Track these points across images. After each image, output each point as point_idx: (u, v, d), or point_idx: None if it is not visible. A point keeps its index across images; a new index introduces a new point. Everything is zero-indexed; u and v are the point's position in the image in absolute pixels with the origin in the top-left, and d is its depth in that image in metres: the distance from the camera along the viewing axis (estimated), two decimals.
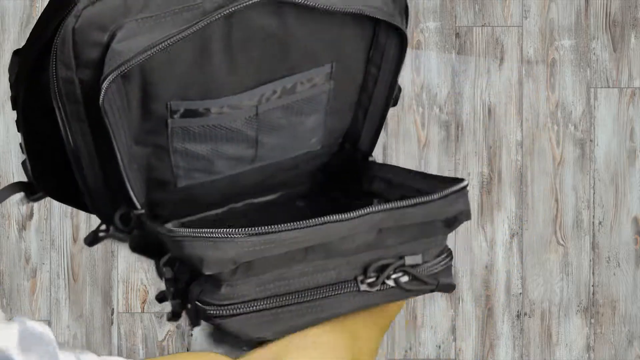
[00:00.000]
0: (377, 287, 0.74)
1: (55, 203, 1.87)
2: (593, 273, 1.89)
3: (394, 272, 0.74)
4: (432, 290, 0.76)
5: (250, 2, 0.69)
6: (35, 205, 1.85)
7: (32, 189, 0.79)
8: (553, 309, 1.88)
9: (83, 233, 1.86)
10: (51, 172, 0.77)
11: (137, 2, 0.67)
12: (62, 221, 1.87)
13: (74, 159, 0.74)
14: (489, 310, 1.88)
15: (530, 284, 1.89)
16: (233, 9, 0.68)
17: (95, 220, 0.77)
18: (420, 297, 1.86)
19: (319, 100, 0.79)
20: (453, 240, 1.88)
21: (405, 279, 0.75)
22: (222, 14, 0.68)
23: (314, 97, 0.78)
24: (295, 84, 0.76)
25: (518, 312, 1.88)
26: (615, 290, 1.88)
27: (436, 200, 0.74)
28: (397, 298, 0.76)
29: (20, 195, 0.79)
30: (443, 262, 0.76)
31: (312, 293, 0.73)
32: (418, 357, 1.87)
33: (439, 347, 1.87)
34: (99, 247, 1.87)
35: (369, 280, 0.74)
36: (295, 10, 0.72)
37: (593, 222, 1.89)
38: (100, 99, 0.67)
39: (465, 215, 0.75)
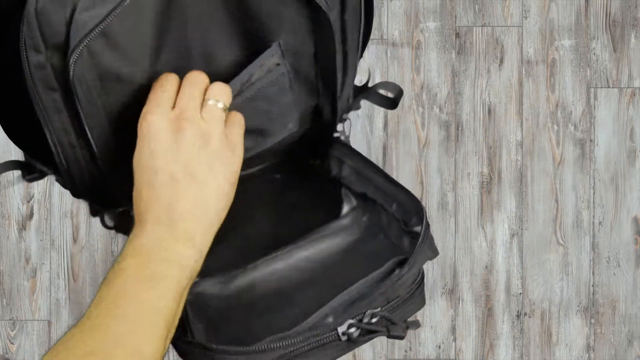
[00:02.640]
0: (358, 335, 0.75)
1: (56, 203, 1.87)
2: (593, 273, 1.89)
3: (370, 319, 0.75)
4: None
5: None
6: (35, 205, 1.85)
7: (28, 168, 0.79)
8: (553, 309, 1.88)
9: (83, 233, 1.86)
10: (24, 131, 0.76)
11: None
12: (62, 221, 1.87)
13: (57, 153, 0.74)
14: (489, 310, 1.88)
15: (530, 284, 1.89)
16: None
17: (95, 222, 0.77)
18: None
19: (282, 83, 0.79)
20: (453, 240, 1.88)
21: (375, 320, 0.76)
22: None
23: (276, 81, 0.78)
24: (250, 75, 0.76)
25: (518, 312, 1.88)
26: (615, 290, 1.88)
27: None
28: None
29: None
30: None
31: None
32: (418, 357, 1.87)
33: (439, 347, 1.87)
34: (99, 247, 1.87)
35: (352, 330, 0.74)
36: None
37: (593, 222, 1.89)
38: (70, 74, 0.67)
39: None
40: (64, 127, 0.72)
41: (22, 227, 1.87)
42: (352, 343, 0.74)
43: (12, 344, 1.86)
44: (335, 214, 0.85)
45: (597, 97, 1.91)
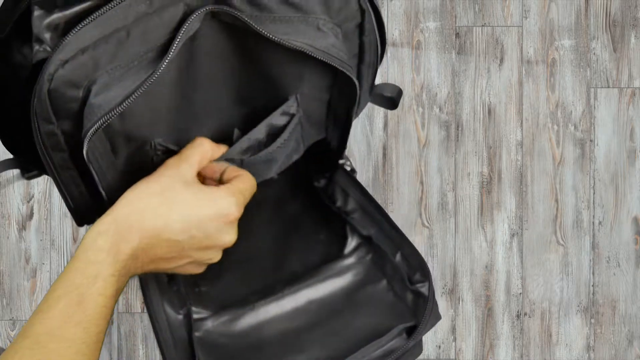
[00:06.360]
0: None
1: (55, 203, 1.87)
2: (593, 273, 1.89)
3: None
4: None
5: (202, 13, 0.68)
6: (35, 205, 1.85)
7: (27, 167, 0.79)
8: (553, 309, 1.88)
9: (83, 233, 1.86)
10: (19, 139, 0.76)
11: (104, 55, 0.66)
12: (62, 221, 1.87)
13: (66, 198, 0.75)
14: (489, 310, 1.88)
15: (530, 284, 1.89)
16: (188, 32, 0.68)
17: None
18: None
19: (297, 130, 0.80)
20: (453, 240, 1.88)
21: None
22: (179, 45, 0.68)
23: (293, 131, 0.80)
24: (269, 127, 0.78)
25: (518, 312, 1.88)
26: (615, 290, 1.88)
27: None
28: None
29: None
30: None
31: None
32: (418, 357, 1.87)
33: (439, 347, 1.87)
34: None
35: None
36: (260, 43, 0.72)
37: (593, 222, 1.89)
38: (85, 152, 0.68)
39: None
40: (74, 181, 0.73)
41: (22, 227, 1.87)
42: None
43: None
44: (340, 249, 0.85)
45: (597, 97, 1.91)
